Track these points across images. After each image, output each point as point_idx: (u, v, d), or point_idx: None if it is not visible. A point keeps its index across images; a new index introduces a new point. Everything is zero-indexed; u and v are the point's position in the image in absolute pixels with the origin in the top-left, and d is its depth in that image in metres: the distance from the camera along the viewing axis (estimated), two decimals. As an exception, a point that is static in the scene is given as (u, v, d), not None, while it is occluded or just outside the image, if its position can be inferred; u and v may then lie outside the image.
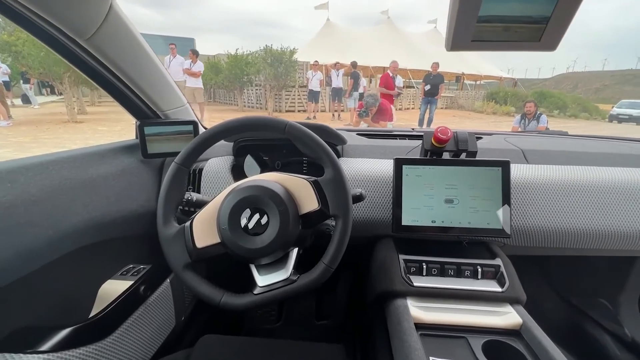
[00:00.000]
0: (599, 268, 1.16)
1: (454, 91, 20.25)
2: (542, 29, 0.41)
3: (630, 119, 14.34)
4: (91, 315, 0.71)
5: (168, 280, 0.93)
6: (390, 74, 6.39)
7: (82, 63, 0.74)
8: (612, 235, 0.85)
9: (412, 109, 14.52)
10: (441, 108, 16.29)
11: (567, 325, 1.22)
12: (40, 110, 10.12)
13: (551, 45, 0.44)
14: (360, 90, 8.27)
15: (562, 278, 1.24)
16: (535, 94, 17.48)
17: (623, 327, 1.10)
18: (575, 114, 15.44)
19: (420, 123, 7.41)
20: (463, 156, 0.85)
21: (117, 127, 7.06)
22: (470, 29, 0.42)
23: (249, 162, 1.01)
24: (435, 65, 7.06)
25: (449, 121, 12.24)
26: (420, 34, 22.10)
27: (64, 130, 6.69)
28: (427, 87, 7.05)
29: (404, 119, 6.62)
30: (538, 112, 4.66)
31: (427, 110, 7.36)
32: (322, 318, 1.35)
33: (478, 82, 23.22)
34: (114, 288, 0.80)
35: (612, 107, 15.92)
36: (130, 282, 0.81)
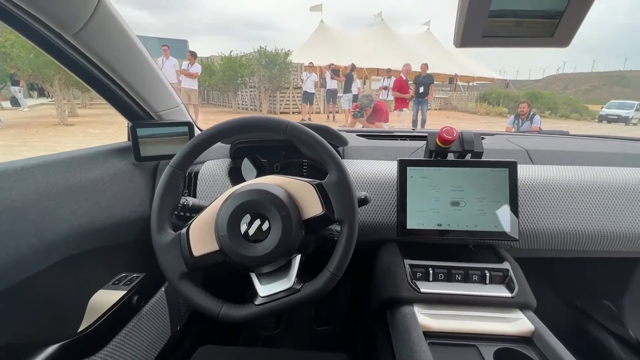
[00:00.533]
0: (602, 269, 1.15)
1: (448, 92, 20.45)
2: (555, 24, 0.39)
3: (619, 119, 14.64)
4: (81, 328, 0.67)
5: (163, 288, 0.89)
6: (404, 77, 6.33)
7: (69, 60, 0.70)
8: (621, 237, 0.84)
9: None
10: (435, 109, 16.43)
11: (571, 327, 1.21)
12: (30, 113, 9.95)
13: (564, 41, 0.42)
14: (355, 92, 8.26)
15: (565, 280, 1.23)
16: (527, 94, 17.75)
17: (627, 329, 1.08)
18: (566, 115, 15.71)
19: (414, 124, 7.41)
20: (468, 157, 0.83)
21: (109, 130, 6.95)
22: (481, 24, 0.40)
23: (247, 164, 0.98)
24: (424, 66, 7.05)
25: (442, 122, 12.30)
26: (414, 35, 22.27)
27: (54, 133, 6.57)
28: (421, 89, 7.03)
29: (394, 120, 6.57)
30: (531, 113, 4.71)
31: (419, 112, 7.35)
32: (322, 324, 1.32)
33: (471, 84, 23.49)
34: (105, 299, 0.76)
35: (602, 107, 16.24)
36: (123, 292, 0.77)
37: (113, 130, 6.88)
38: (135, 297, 0.78)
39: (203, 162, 0.96)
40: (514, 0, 0.37)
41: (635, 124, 14.57)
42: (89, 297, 0.76)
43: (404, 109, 6.28)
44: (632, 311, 1.11)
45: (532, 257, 0.97)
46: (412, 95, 6.43)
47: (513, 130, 4.76)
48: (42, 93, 14.45)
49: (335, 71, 8.87)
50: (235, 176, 0.95)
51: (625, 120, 14.52)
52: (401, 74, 6.43)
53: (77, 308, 0.74)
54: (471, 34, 0.42)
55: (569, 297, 1.23)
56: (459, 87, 21.51)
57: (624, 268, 1.11)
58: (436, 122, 11.81)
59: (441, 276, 0.73)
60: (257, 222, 0.57)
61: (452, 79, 20.41)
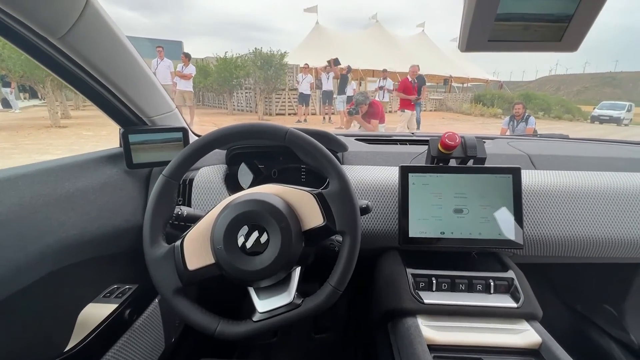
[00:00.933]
0: (602, 274, 1.14)
1: (442, 94, 20.55)
2: (564, 27, 0.38)
3: (611, 119, 14.85)
4: (69, 347, 0.64)
5: (156, 300, 0.86)
6: (410, 79, 6.25)
7: (56, 65, 0.67)
8: (625, 243, 0.83)
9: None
10: (430, 110, 16.50)
11: (571, 331, 1.20)
12: (22, 114, 9.81)
13: (573, 46, 0.41)
14: (350, 93, 8.25)
15: (566, 284, 1.22)
16: (520, 96, 17.90)
17: (629, 334, 1.08)
18: (559, 115, 15.87)
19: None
20: (470, 163, 0.81)
21: (103, 132, 6.85)
22: (488, 28, 0.39)
23: (243, 170, 0.95)
24: (416, 67, 7.04)
25: (438, 123, 12.40)
26: (409, 37, 22.37)
27: (47, 135, 6.47)
28: None
29: (393, 121, 6.57)
30: (526, 114, 4.73)
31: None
32: (320, 331, 1.29)
33: (465, 85, 23.66)
34: (95, 313, 0.72)
35: (594, 108, 16.45)
36: (115, 305, 0.74)
37: (107, 132, 6.78)
38: (128, 311, 0.75)
39: (198, 169, 0.93)
40: (522, 3, 0.36)
41: (626, 125, 14.79)
42: (78, 312, 0.72)
43: (405, 110, 6.24)
44: (633, 316, 1.10)
45: (532, 262, 0.96)
46: (417, 97, 6.36)
47: (508, 131, 4.78)
48: (34, 94, 14.27)
49: (336, 61, 8.70)
50: (232, 183, 0.93)
51: (616, 120, 14.73)
52: (407, 76, 6.38)
53: (66, 324, 0.70)
54: (477, 39, 0.40)
55: (569, 301, 1.22)
56: (454, 88, 21.63)
57: (624, 273, 1.10)
58: (432, 123, 11.89)
59: (444, 286, 0.71)
60: (255, 234, 0.55)
61: (446, 80, 20.55)
